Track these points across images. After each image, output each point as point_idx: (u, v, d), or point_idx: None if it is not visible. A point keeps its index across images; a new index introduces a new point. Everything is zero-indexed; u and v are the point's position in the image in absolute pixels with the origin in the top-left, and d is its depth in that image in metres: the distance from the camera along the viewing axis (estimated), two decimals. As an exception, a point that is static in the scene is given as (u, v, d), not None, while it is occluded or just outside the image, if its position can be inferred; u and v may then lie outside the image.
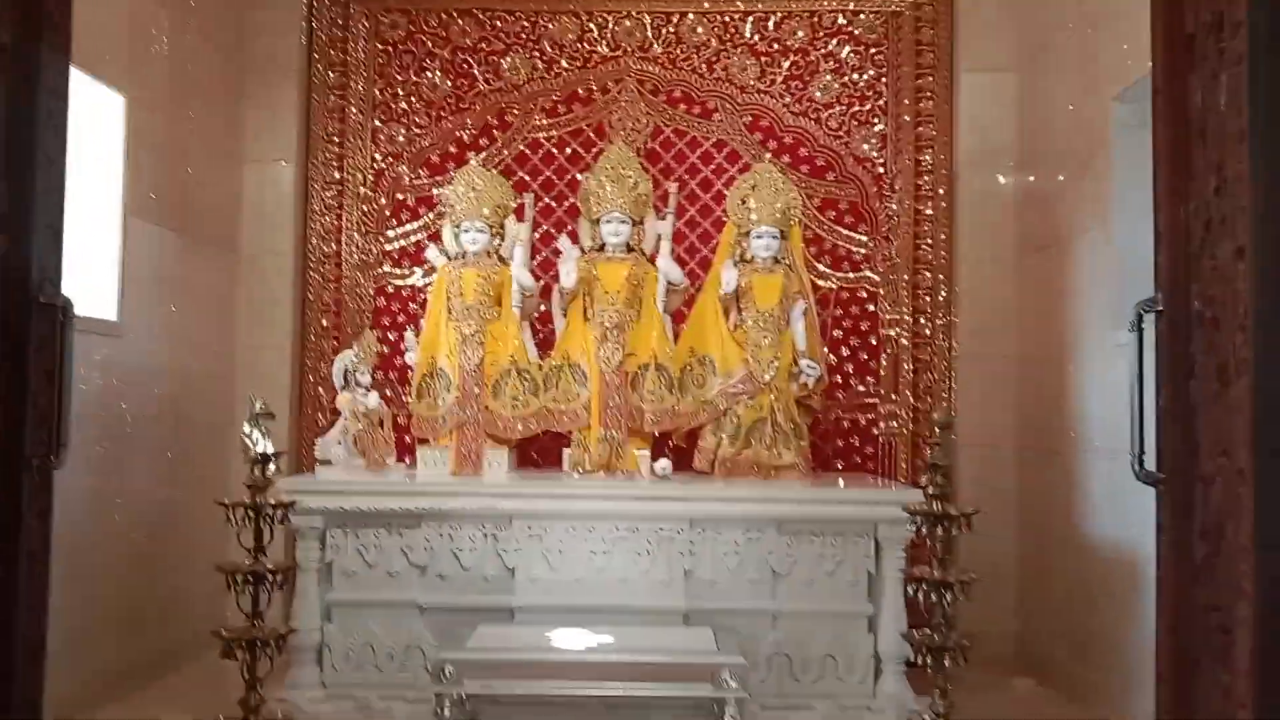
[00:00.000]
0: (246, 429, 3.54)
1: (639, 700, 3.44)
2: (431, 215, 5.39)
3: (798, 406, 4.55)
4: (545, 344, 4.83)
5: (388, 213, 5.45)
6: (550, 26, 5.47)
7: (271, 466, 3.49)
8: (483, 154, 5.25)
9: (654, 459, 4.39)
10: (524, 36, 5.48)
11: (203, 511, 4.73)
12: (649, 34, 5.49)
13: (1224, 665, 1.83)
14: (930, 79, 5.43)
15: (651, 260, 4.60)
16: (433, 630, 3.92)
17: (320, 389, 5.35)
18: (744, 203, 4.62)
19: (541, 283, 4.75)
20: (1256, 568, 1.67)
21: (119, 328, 4.23)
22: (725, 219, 4.88)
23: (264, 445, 3.50)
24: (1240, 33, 1.83)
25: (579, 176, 5.24)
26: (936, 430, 3.77)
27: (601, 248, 4.57)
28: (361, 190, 5.44)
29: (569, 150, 5.45)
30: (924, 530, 3.74)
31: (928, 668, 3.65)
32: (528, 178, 5.36)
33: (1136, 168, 4.03)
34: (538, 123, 5.47)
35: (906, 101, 5.44)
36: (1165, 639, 2.11)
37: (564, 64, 5.49)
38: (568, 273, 4.48)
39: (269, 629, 3.52)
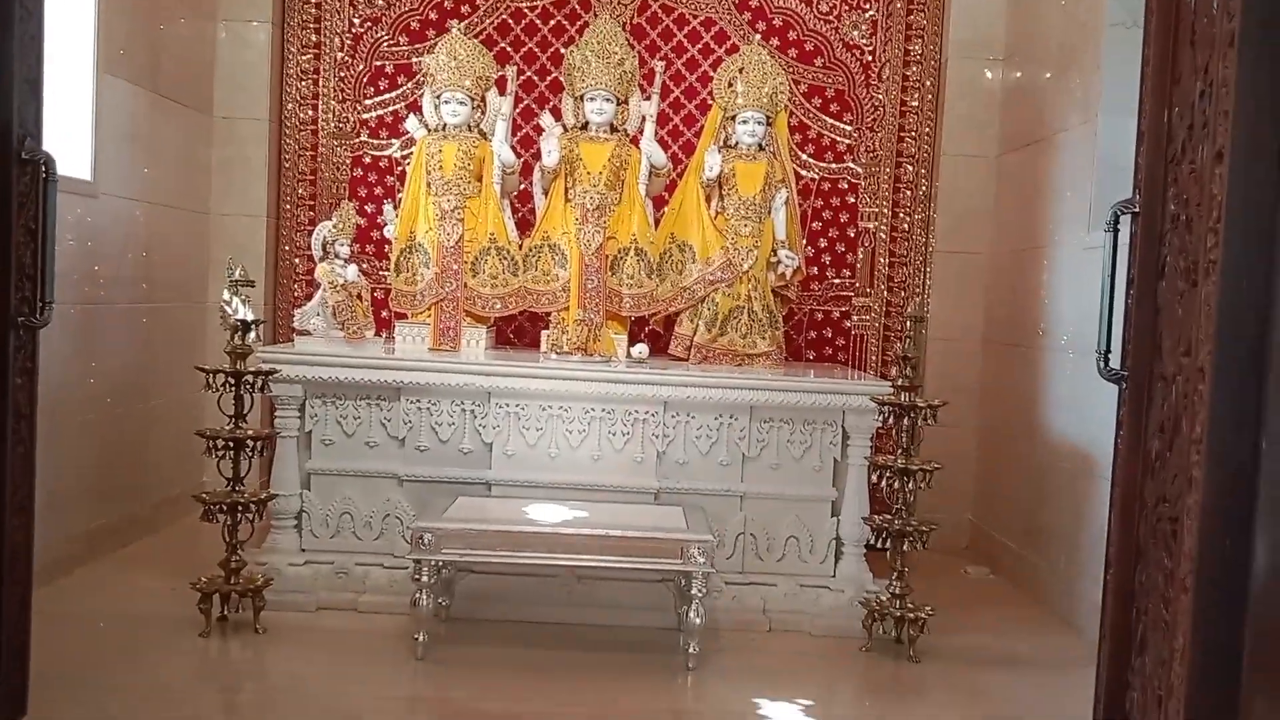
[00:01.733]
0: (225, 295, 3.55)
1: (610, 571, 3.57)
2: (410, 85, 5.27)
3: (773, 296, 4.59)
4: (524, 223, 4.81)
5: (365, 80, 5.33)
6: (539, -114, 5.26)
7: (251, 334, 3.51)
8: (464, 21, 5.11)
9: (631, 343, 4.44)
10: (512, -106, 5.28)
11: (178, 375, 4.77)
12: (642, -102, 5.30)
13: (1168, 553, 1.95)
14: (925, -35, 5.31)
15: (635, 142, 4.56)
16: (410, 501, 4.02)
17: (296, 259, 5.32)
18: (731, 85, 4.56)
19: (522, 160, 4.70)
20: (1206, 459, 1.76)
21: (92, 187, 4.16)
22: (711, 102, 4.82)
23: (244, 312, 3.51)
24: (1242, -65, 1.82)
25: (563, 50, 5.13)
26: (909, 324, 3.84)
27: (585, 126, 4.51)
28: (339, 55, 5.30)
29: (553, 22, 5.31)
30: (890, 420, 3.86)
31: (886, 551, 3.82)
32: (510, 49, 5.25)
33: (1125, 66, 4.03)
34: (522, -10, 5.31)
35: (900, -14, 5.33)
36: (1117, 528, 2.23)
37: (551, -68, 5.30)
38: (549, 151, 4.43)
39: (249, 494, 3.60)
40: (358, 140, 5.32)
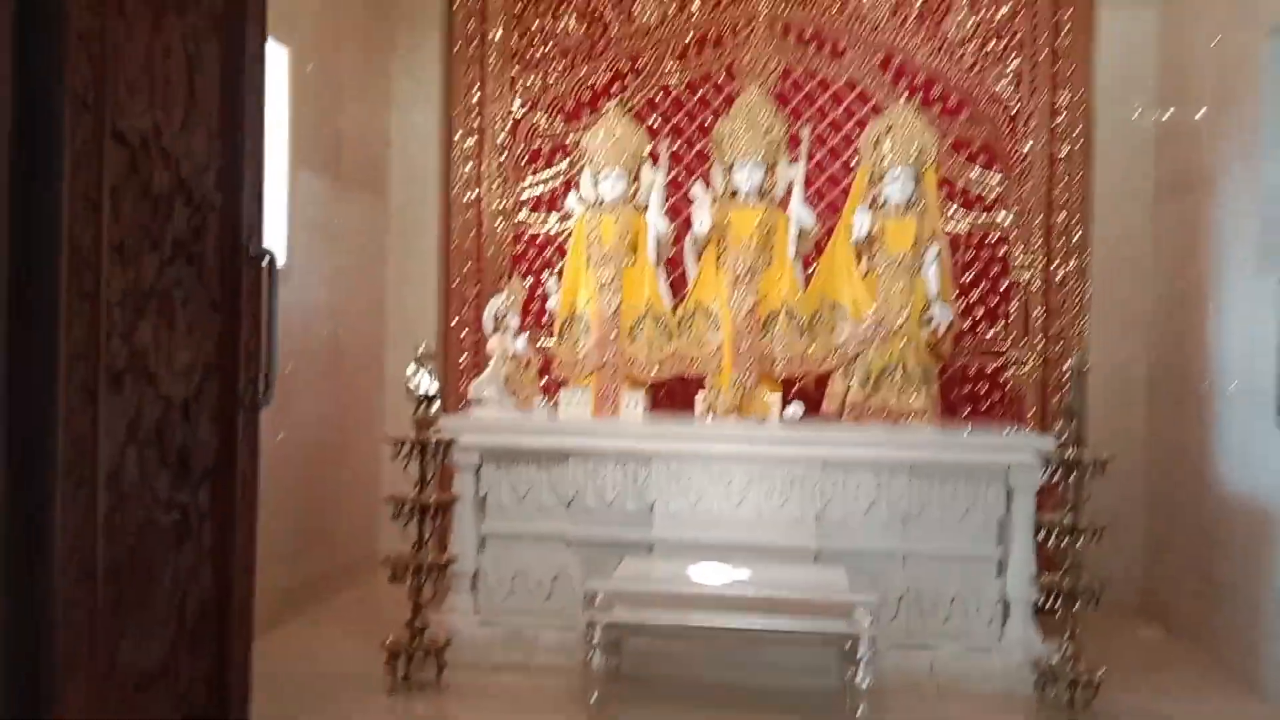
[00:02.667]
0: (411, 369, 3.81)
1: (776, 634, 3.61)
2: (566, 162, 5.54)
3: (927, 352, 4.60)
4: (676, 286, 4.97)
5: (524, 160, 5.63)
6: (682, -30, 5.51)
7: (436, 405, 3.75)
8: (615, 100, 5.36)
9: (784, 403, 4.52)
10: (656, -21, 5.54)
11: (358, 443, 5.10)
12: (779, -28, 5.48)
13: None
14: (1068, 14, 5.28)
15: (783, 205, 4.67)
16: (578, 561, 4.17)
17: (463, 330, 5.62)
18: (878, 145, 4.63)
19: (674, 228, 4.88)
20: None
21: (287, 271, 4.54)
22: (855, 163, 4.90)
23: (428, 385, 3.76)
24: None
25: (709, 121, 5.32)
26: (1072, 376, 3.80)
27: (734, 193, 4.66)
28: (500, 139, 5.62)
29: (699, 94, 5.52)
30: (1057, 476, 3.80)
31: (1056, 612, 3.74)
32: (658, 123, 5.46)
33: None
34: (669, 67, 5.54)
35: (1043, 38, 5.31)
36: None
37: (695, 7, 5.53)
38: (701, 219, 4.60)
39: (432, 557, 3.83)
40: (518, 218, 5.62)
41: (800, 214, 4.60)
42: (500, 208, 5.63)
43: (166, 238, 2.25)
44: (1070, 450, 3.74)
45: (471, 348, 5.55)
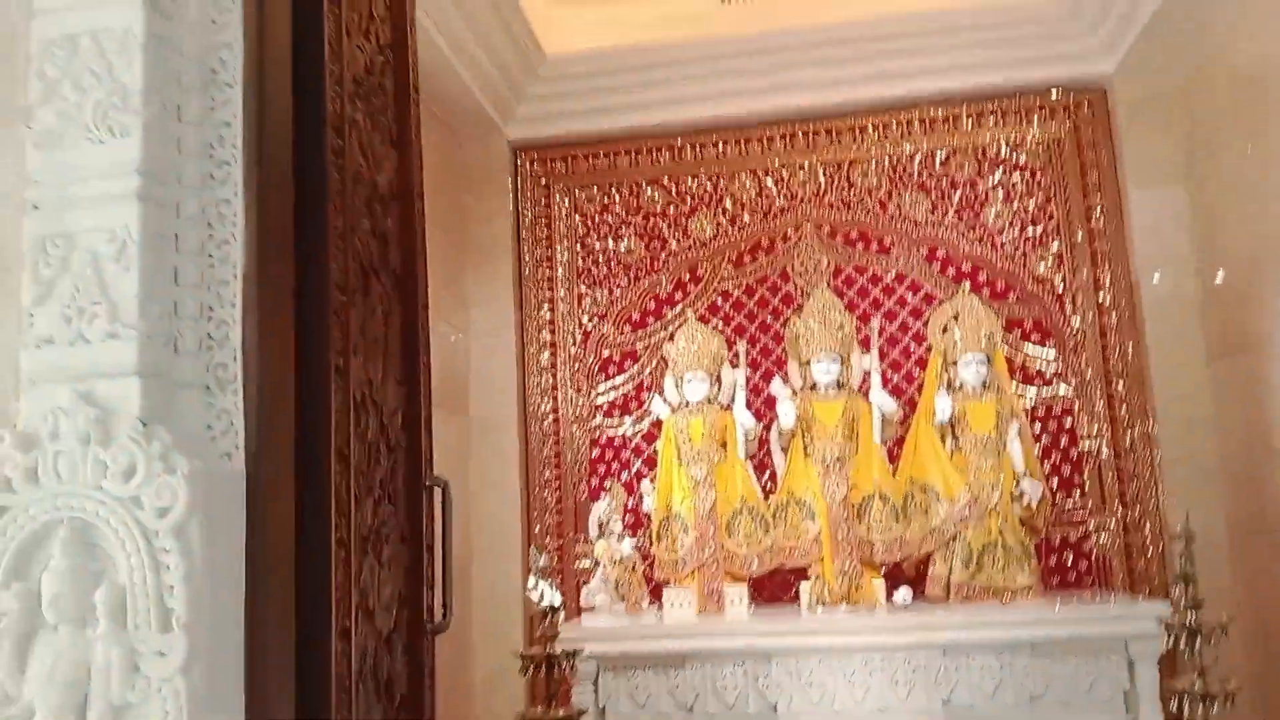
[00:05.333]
0: (532, 582, 3.89)
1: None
2: (636, 368, 5.80)
3: (1022, 527, 4.69)
4: (760, 477, 5.10)
5: (595, 369, 5.88)
6: (732, 186, 5.94)
7: (560, 616, 3.81)
8: (679, 307, 5.66)
9: (889, 589, 4.57)
10: (708, 198, 5.95)
11: (452, 654, 5.09)
12: (822, 183, 5.89)
13: None
14: (1099, 198, 5.65)
15: (862, 394, 4.88)
16: (705, 767, 4.12)
17: (546, 537, 5.71)
18: (946, 331, 4.88)
19: (761, 423, 5.06)
20: None
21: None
22: (911, 347, 5.14)
23: (551, 597, 3.83)
24: None
25: (767, 319, 5.62)
26: (1182, 542, 3.88)
27: (813, 386, 4.87)
28: (571, 350, 5.90)
29: (757, 296, 5.83)
30: (1180, 642, 3.82)
31: (1203, 782, 3.68)
32: (720, 325, 5.75)
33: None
34: (726, 274, 5.88)
35: (1078, 221, 5.66)
36: None
37: (746, 218, 5.92)
38: (785, 413, 4.79)
39: (566, 772, 3.79)
40: (593, 423, 5.82)
41: (883, 401, 4.79)
42: (576, 414, 5.84)
43: (377, 480, 2.41)
44: (1190, 615, 3.77)
45: (555, 553, 5.63)
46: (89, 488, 1.63)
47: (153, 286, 1.74)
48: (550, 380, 5.88)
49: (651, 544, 4.84)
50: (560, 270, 5.97)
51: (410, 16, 2.97)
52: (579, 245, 6.00)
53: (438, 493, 2.90)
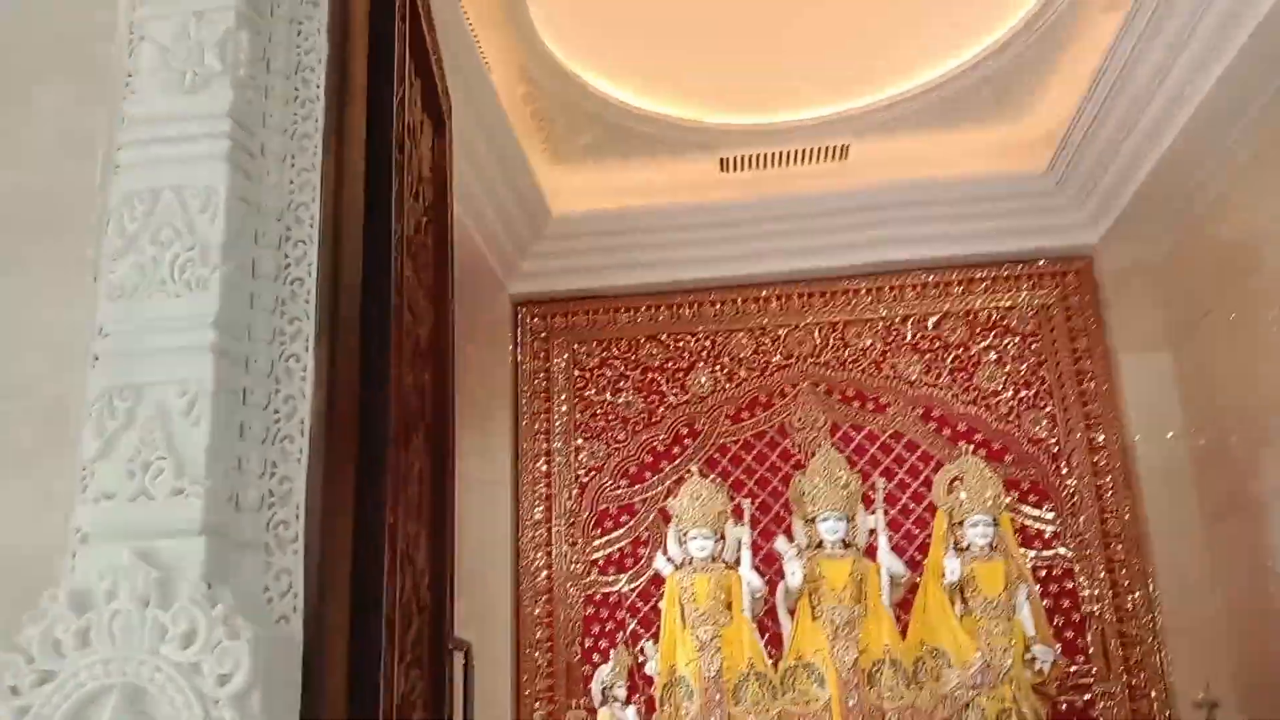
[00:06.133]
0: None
1: None
2: (632, 522, 5.72)
3: (1034, 693, 4.58)
4: (770, 640, 4.96)
5: (591, 523, 5.80)
6: (730, 343, 6.03)
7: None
8: (677, 461, 5.64)
9: (902, 756, 4.41)
10: (706, 354, 6.03)
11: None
12: (818, 342, 6.00)
13: None
14: (1088, 362, 5.79)
15: (868, 554, 4.82)
16: None
17: (535, 703, 5.48)
18: (950, 491, 4.88)
19: (767, 581, 4.96)
20: None
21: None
22: (910, 506, 5.13)
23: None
24: None
25: (765, 475, 5.61)
26: (1205, 710, 3.81)
27: (819, 544, 4.82)
28: (567, 504, 5.82)
29: (755, 451, 5.83)
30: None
31: None
32: (718, 479, 5.71)
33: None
34: (724, 428, 5.90)
35: (1069, 385, 5.78)
36: None
37: (744, 374, 5.99)
38: (793, 572, 4.70)
39: None
40: (588, 579, 5.69)
41: (890, 562, 4.74)
42: (570, 570, 5.71)
43: (409, 643, 2.32)
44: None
45: (546, 718, 5.41)
46: (146, 652, 1.55)
47: (221, 442, 1.71)
48: (545, 534, 5.78)
49: (655, 709, 4.65)
50: (558, 423, 5.96)
51: (451, 178, 3.05)
52: (577, 398, 6.01)
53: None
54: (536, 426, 5.95)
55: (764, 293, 6.06)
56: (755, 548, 5.22)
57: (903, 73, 5.15)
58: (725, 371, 6.00)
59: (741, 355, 6.02)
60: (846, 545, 4.82)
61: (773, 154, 5.62)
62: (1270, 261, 4.57)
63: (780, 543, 4.93)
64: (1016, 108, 5.30)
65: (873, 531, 4.86)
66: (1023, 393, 5.81)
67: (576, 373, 6.06)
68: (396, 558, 2.08)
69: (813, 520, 4.86)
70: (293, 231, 1.91)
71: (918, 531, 5.52)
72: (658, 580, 5.22)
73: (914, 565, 5.11)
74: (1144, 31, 4.39)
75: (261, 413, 1.80)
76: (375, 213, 2.03)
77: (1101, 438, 5.68)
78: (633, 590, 5.56)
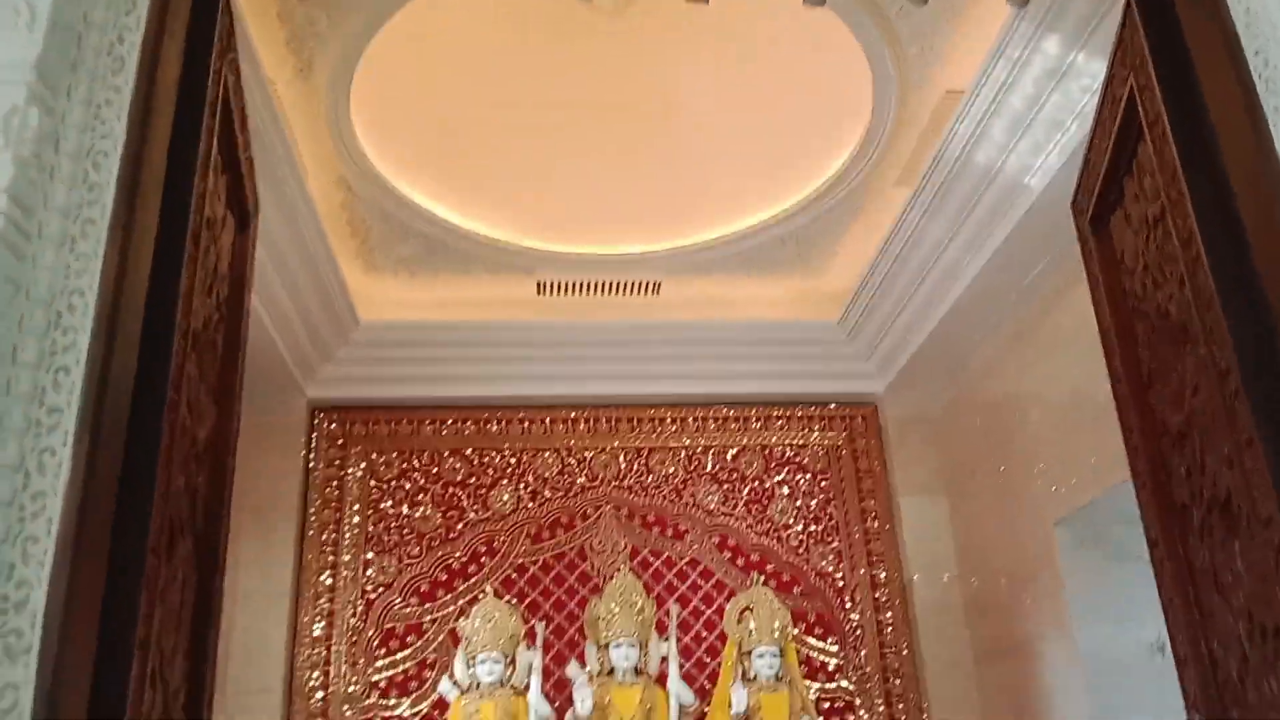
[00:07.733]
0: None
1: None
2: (420, 643, 5.50)
3: (812, 827, 4.62)
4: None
5: (375, 642, 5.53)
6: (535, 462, 6.01)
7: None
8: (473, 580, 5.51)
9: None
10: (510, 471, 5.98)
11: None
12: (623, 466, 6.07)
13: None
14: (873, 501, 6.11)
15: (659, 681, 4.81)
16: None
17: (299, 839, 5.09)
18: (740, 621, 4.96)
19: (556, 707, 4.85)
20: None
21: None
22: (702, 634, 5.18)
23: None
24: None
25: (562, 597, 5.55)
26: None
27: (610, 671, 4.77)
28: (351, 621, 5.55)
29: (554, 573, 5.77)
30: None
31: None
32: (514, 600, 5.60)
33: (1086, 577, 4.64)
34: (523, 548, 5.82)
35: (855, 522, 6.07)
36: None
37: (547, 494, 5.96)
38: (582, 700, 4.62)
39: None
40: (368, 702, 5.40)
41: (680, 690, 4.73)
42: (348, 692, 5.40)
43: (154, 771, 2.12)
44: None
45: None
46: None
47: (-50, 540, 1.55)
48: (324, 653, 5.47)
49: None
50: (348, 535, 5.73)
51: (250, 276, 2.96)
52: (371, 510, 5.81)
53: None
54: (324, 537, 5.69)
55: (573, 414, 6.12)
56: (548, 673, 5.13)
57: (712, 223, 5.44)
58: (529, 490, 5.96)
59: (547, 475, 6.00)
60: (638, 672, 4.80)
61: (588, 282, 5.77)
62: (1034, 422, 5.00)
63: (572, 668, 4.86)
64: (815, 263, 5.68)
65: (664, 659, 4.86)
66: (812, 527, 6.04)
67: (373, 483, 5.87)
68: (146, 675, 1.92)
69: (606, 646, 4.82)
70: (63, 319, 1.80)
71: (709, 660, 5.57)
72: (441, 705, 5.02)
73: (703, 694, 5.13)
74: (928, 207, 4.82)
75: (5, 509, 1.65)
76: (158, 305, 1.94)
77: (883, 574, 5.95)
78: (415, 715, 5.31)
